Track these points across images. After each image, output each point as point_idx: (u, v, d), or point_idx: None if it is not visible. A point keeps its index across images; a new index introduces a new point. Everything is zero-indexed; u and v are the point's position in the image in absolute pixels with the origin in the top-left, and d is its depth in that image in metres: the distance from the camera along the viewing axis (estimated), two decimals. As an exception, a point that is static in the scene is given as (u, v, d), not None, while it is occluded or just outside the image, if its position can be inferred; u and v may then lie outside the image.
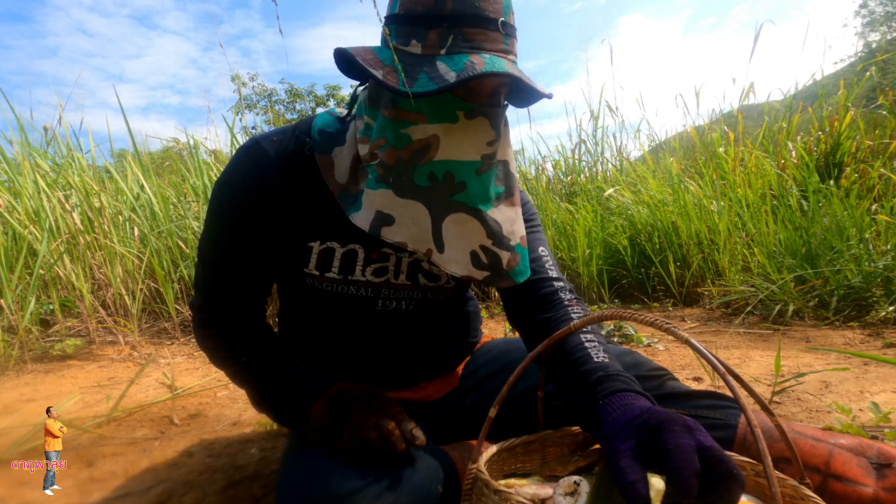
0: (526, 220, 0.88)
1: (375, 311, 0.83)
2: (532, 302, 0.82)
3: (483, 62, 0.64)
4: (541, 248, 0.87)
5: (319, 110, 0.85)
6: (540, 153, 4.18)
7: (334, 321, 0.85)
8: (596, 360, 0.70)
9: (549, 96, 0.73)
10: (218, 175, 2.72)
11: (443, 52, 0.66)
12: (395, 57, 0.68)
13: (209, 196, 0.82)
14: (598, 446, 0.69)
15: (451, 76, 0.63)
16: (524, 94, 0.78)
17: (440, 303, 0.87)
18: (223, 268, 0.80)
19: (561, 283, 0.84)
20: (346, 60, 0.70)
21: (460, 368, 0.98)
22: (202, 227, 0.83)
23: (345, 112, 0.81)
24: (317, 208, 0.78)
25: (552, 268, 0.85)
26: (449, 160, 0.71)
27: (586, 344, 0.73)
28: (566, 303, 0.81)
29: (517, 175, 0.80)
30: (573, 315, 0.78)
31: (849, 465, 0.69)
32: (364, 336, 0.85)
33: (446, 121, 0.69)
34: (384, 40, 0.72)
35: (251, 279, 0.81)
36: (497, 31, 0.67)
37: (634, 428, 0.54)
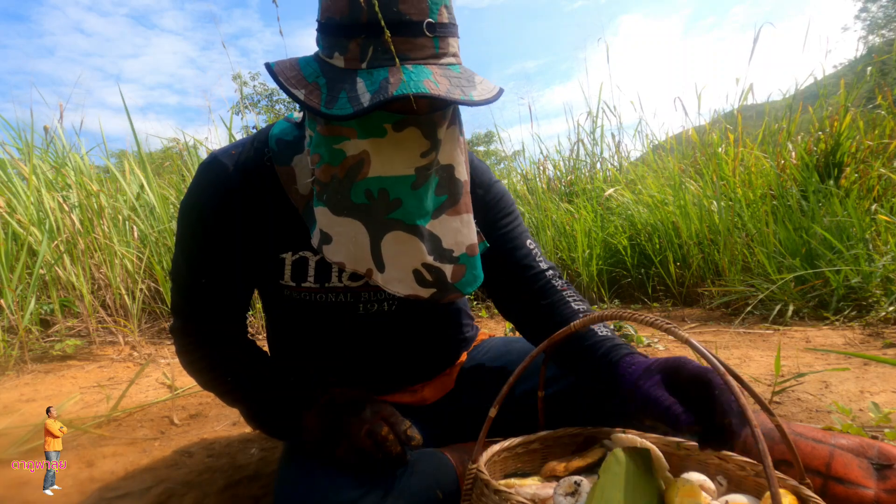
0: (507, 215, 0.87)
1: (358, 316, 0.81)
2: (530, 295, 0.85)
3: (400, 80, 0.59)
4: (528, 242, 0.87)
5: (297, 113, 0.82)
6: (541, 153, 4.18)
7: (319, 330, 0.83)
8: (601, 334, 0.77)
9: (485, 102, 0.64)
10: None
11: (363, 65, 0.62)
12: (321, 71, 0.65)
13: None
14: (598, 446, 0.69)
15: (366, 98, 0.59)
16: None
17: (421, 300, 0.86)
18: (198, 287, 0.78)
19: (552, 272, 0.87)
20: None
21: (456, 370, 0.97)
22: (173, 253, 0.82)
23: (301, 117, 0.77)
24: (285, 219, 0.75)
25: (542, 260, 0.88)
26: (382, 176, 0.67)
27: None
28: (559, 289, 0.85)
29: (466, 179, 0.76)
30: (568, 298, 0.84)
31: (850, 467, 0.69)
32: (351, 341, 0.84)
33: (374, 135, 0.65)
34: (316, 47, 0.69)
35: (227, 296, 0.79)
36: (423, 36, 0.61)
37: (654, 370, 0.64)
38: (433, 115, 0.67)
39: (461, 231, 0.75)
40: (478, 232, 0.80)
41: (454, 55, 0.66)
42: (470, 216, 0.76)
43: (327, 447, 0.69)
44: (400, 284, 0.71)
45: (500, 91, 0.66)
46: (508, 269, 0.85)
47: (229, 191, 0.74)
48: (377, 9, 0.59)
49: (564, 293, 0.84)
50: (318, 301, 0.79)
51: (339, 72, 0.63)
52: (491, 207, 0.86)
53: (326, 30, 0.65)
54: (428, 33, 0.61)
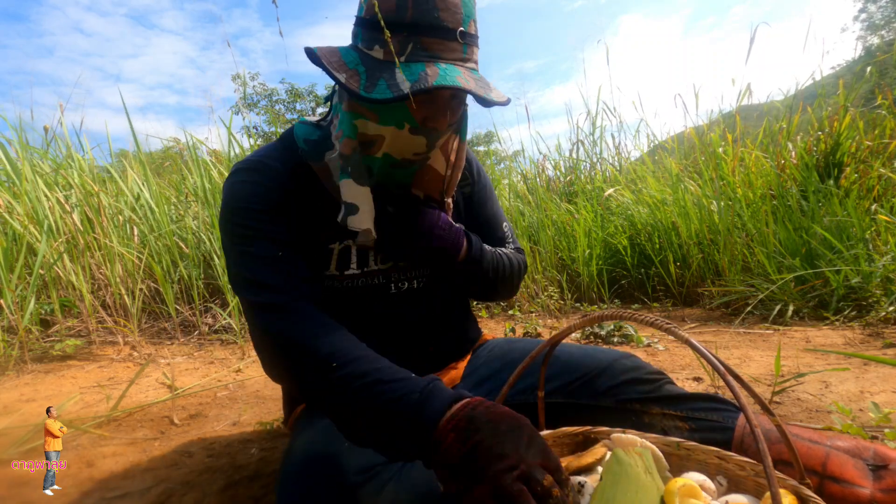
0: (491, 200, 1.02)
1: (390, 295, 0.86)
2: None
3: (437, 73, 0.67)
4: (504, 224, 1.02)
5: (320, 110, 0.88)
6: (540, 152, 4.18)
7: (355, 316, 0.81)
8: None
9: (502, 103, 0.74)
10: (219, 181, 2.70)
11: (402, 59, 0.69)
12: (360, 60, 0.72)
13: (220, 211, 0.78)
14: (598, 446, 0.69)
15: (406, 86, 0.66)
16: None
17: (444, 277, 0.92)
18: (278, 260, 0.73)
19: (522, 256, 1.02)
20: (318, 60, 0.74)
21: (462, 365, 0.98)
22: (226, 263, 0.79)
23: (318, 117, 0.86)
24: (328, 212, 0.80)
25: (512, 240, 1.03)
26: (389, 154, 0.77)
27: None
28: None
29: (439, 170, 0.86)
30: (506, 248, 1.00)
31: (846, 467, 0.69)
32: (382, 322, 0.87)
33: (394, 125, 0.74)
34: (353, 40, 0.76)
35: (303, 266, 0.75)
36: (455, 41, 0.70)
37: None
38: (441, 130, 0.76)
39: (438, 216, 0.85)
40: (460, 215, 0.94)
41: (475, 62, 0.75)
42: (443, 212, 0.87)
43: (461, 481, 0.52)
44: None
45: (509, 99, 0.76)
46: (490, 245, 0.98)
47: (281, 187, 0.78)
48: (409, 13, 0.68)
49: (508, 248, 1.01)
50: (358, 286, 0.84)
51: (377, 62, 0.70)
52: (482, 190, 0.99)
53: (369, 25, 0.71)
54: (460, 40, 0.70)
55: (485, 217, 0.99)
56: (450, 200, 0.88)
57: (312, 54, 0.72)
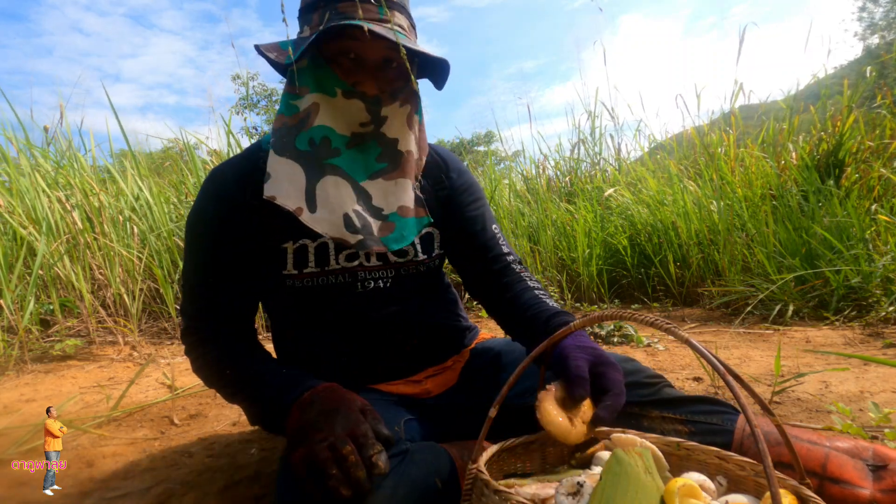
0: (475, 199, 0.96)
1: (356, 294, 0.86)
2: (491, 275, 0.94)
3: (339, 23, 0.73)
4: (493, 227, 0.97)
5: None
6: (541, 152, 4.17)
7: (322, 315, 0.87)
8: (549, 304, 0.87)
9: (433, 56, 0.79)
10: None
11: (321, 28, 0.76)
12: (293, 42, 0.79)
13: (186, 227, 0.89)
14: (599, 446, 0.69)
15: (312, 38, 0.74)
16: (428, 67, 0.85)
17: (415, 277, 0.90)
18: (205, 289, 0.84)
19: (512, 257, 0.95)
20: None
21: (460, 366, 0.98)
22: (183, 260, 0.91)
23: None
24: (282, 212, 0.80)
25: (504, 244, 0.96)
26: (326, 126, 0.79)
27: (538, 294, 0.90)
28: (518, 272, 0.94)
29: (409, 150, 0.84)
30: (527, 281, 0.92)
31: (845, 468, 0.69)
32: (353, 322, 0.87)
33: (325, 92, 0.78)
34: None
35: (231, 296, 0.85)
36: (369, 3, 0.76)
37: (587, 354, 0.71)
38: (381, 95, 0.78)
39: (395, 193, 0.83)
40: (423, 202, 0.88)
41: (401, 27, 0.79)
42: (407, 182, 0.84)
43: (291, 446, 0.66)
44: (329, 226, 0.78)
45: (445, 60, 0.80)
46: (473, 250, 0.94)
47: (230, 197, 0.82)
48: None
49: (523, 274, 0.93)
50: (319, 285, 0.85)
51: (305, 39, 0.77)
52: (462, 192, 0.95)
53: (300, 13, 0.82)
54: (374, 1, 0.76)
55: (469, 223, 0.94)
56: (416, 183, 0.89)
57: (258, 49, 0.80)
